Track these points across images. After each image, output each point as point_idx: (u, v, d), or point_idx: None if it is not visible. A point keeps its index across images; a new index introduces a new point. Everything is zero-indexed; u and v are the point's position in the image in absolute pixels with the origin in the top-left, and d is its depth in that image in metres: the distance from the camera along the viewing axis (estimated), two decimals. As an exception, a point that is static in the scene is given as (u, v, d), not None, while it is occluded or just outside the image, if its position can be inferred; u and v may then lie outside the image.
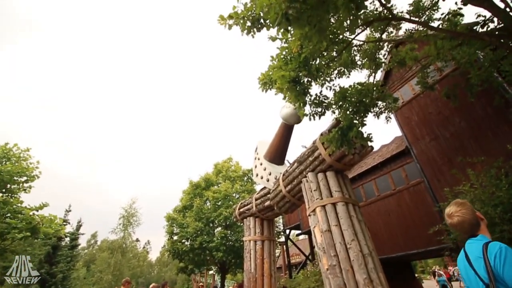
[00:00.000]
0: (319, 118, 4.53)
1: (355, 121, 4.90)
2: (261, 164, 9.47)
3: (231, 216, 13.10)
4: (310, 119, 4.53)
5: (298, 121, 8.52)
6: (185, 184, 17.21)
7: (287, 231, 17.22)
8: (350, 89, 4.89)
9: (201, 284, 9.84)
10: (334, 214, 5.43)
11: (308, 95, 4.71)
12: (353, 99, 4.73)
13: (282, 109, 8.74)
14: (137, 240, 44.07)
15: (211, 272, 25.76)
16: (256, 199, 9.10)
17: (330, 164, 5.89)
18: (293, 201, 7.35)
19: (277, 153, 9.04)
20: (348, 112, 4.77)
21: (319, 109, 4.55)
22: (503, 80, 6.43)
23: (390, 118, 7.74)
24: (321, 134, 6.14)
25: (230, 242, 14.36)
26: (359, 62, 7.07)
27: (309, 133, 15.15)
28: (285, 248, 18.59)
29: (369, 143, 5.54)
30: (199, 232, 14.44)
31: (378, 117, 7.65)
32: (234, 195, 15.90)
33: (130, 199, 28.20)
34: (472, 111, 7.71)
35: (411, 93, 9.64)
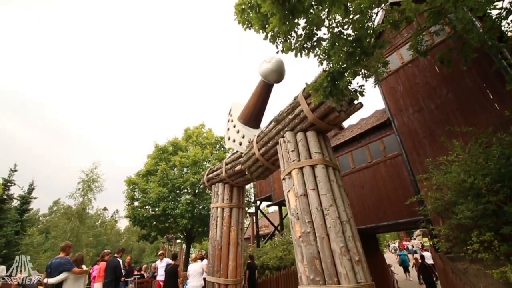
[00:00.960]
0: (307, 54, 3.62)
1: (347, 67, 4.09)
2: (234, 127, 8.55)
3: (199, 182, 12.12)
4: (296, 55, 3.61)
5: (279, 79, 7.58)
6: (152, 149, 15.84)
7: (258, 202, 16.94)
8: (347, 26, 4.00)
9: (161, 252, 9.18)
10: (312, 177, 4.77)
11: (296, 30, 3.76)
12: (350, 38, 3.85)
13: (262, 64, 7.71)
14: (105, 209, 42.52)
15: (179, 241, 25.35)
16: (226, 164, 8.28)
17: (312, 122, 5.13)
18: (266, 165, 6.61)
19: (252, 115, 8.14)
20: (341, 54, 3.91)
21: (308, 44, 3.62)
22: (503, 45, 5.92)
23: (379, 81, 7.07)
24: (304, 90, 5.30)
25: (197, 210, 13.56)
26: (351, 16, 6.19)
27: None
28: (254, 220, 18.49)
29: (359, 98, 4.83)
30: (164, 199, 13.56)
31: (366, 80, 6.97)
32: (203, 162, 14.82)
33: (92, 163, 25.89)
34: (461, 83, 7.31)
35: (399, 62, 9.04)
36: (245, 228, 25.64)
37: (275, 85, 8.09)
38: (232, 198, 8.40)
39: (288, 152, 5.29)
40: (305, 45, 3.58)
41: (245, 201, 10.61)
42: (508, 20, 5.32)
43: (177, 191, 14.29)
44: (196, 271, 6.67)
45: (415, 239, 28.87)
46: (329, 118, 4.98)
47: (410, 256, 17.66)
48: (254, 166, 6.89)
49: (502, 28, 5.63)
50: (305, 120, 5.21)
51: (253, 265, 9.26)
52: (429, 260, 13.08)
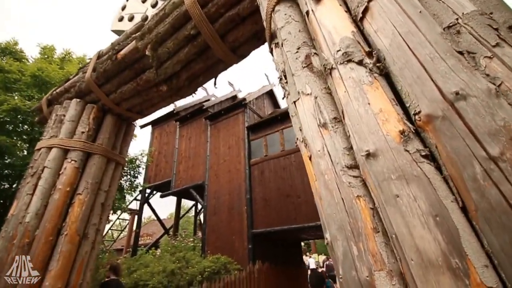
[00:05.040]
0: None
1: None
2: (137, -4, 4.26)
3: (30, 111, 5.69)
4: None
5: None
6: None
7: (147, 193, 11.86)
8: None
9: None
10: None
11: None
12: None
13: None
14: None
15: None
16: (100, 55, 3.81)
17: None
18: (205, 36, 2.72)
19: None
20: None
21: None
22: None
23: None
24: None
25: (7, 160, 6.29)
26: None
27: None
28: (136, 218, 13.08)
29: None
30: None
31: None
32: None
33: None
34: None
35: None
36: (119, 231, 18.82)
37: None
38: (98, 134, 3.89)
39: None
40: None
41: (127, 159, 5.98)
42: None
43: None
44: None
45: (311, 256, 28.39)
46: None
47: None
48: (172, 40, 2.90)
49: None
50: None
51: (114, 285, 4.73)
52: (312, 265, 11.98)
